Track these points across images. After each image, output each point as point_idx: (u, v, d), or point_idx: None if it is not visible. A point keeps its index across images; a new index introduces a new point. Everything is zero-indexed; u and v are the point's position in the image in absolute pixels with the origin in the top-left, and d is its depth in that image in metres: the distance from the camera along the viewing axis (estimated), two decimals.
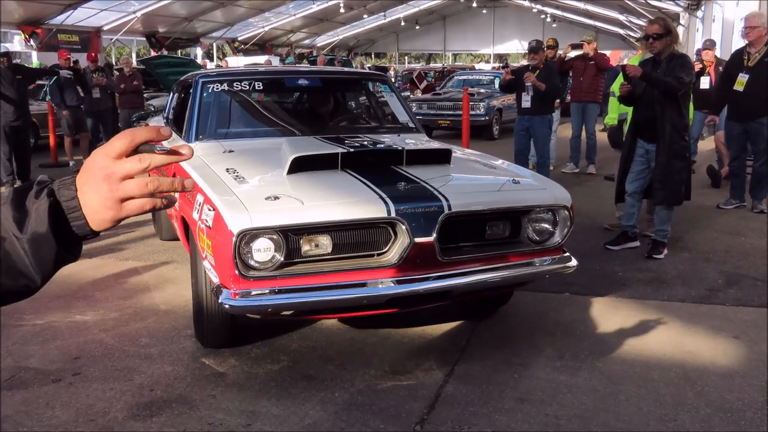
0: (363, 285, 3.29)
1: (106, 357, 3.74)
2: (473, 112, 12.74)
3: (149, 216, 6.62)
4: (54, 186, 0.93)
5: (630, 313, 4.35)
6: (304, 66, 11.25)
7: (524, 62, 10.47)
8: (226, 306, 3.16)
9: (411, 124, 5.01)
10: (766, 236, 6.17)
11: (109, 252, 5.87)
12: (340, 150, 3.76)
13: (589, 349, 3.80)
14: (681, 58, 5.21)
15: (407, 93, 18.96)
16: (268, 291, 3.20)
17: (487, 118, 13.39)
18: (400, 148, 3.87)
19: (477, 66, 34.47)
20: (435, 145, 4.56)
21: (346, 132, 4.66)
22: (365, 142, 4.22)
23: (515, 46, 40.73)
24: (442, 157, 3.90)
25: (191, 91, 4.72)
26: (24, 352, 3.82)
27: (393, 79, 25.06)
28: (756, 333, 4.01)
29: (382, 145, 4.19)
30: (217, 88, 4.70)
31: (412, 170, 3.66)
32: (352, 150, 3.83)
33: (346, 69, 10.99)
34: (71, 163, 10.60)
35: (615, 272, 5.18)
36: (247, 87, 4.73)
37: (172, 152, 0.94)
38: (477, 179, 3.96)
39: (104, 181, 0.90)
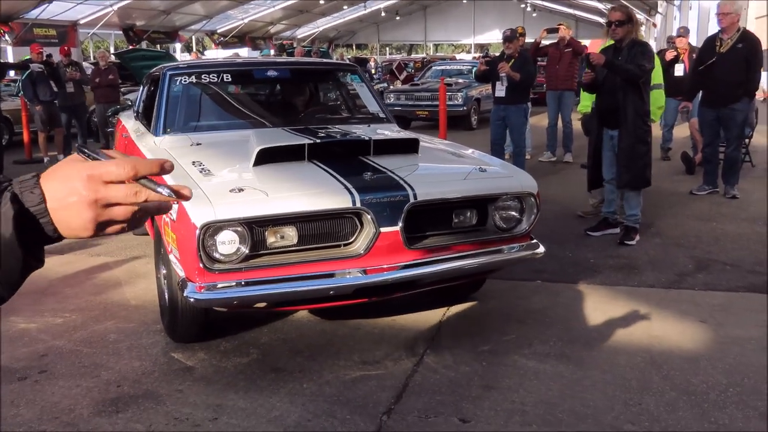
0: (330, 276, 3.29)
1: (73, 354, 3.71)
2: (451, 103, 12.74)
3: None
4: (15, 189, 0.86)
5: (600, 300, 4.38)
6: (272, 58, 11.14)
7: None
8: (191, 299, 3.15)
9: (382, 115, 5.00)
10: (736, 221, 6.23)
11: (80, 248, 5.81)
12: (306, 141, 3.74)
13: (557, 336, 3.82)
14: (642, 46, 5.28)
15: (383, 84, 18.86)
16: (234, 284, 3.19)
17: (465, 108, 13.39)
18: (367, 138, 3.86)
19: (458, 56, 34.48)
20: (403, 135, 4.55)
21: (316, 123, 4.64)
22: (333, 133, 4.20)
23: (496, 36, 40.69)
24: (409, 147, 3.90)
25: (159, 84, 4.67)
26: None
27: (373, 70, 25.03)
28: (723, 316, 4.06)
29: (350, 136, 4.17)
30: (185, 81, 4.65)
31: (379, 160, 3.65)
32: (318, 141, 3.81)
33: (316, 60, 10.92)
34: (46, 160, 10.49)
35: (587, 259, 5.21)
36: (216, 79, 4.68)
37: (173, 195, 0.88)
38: (444, 168, 3.96)
39: (90, 207, 0.85)
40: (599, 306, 4.28)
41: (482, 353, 3.62)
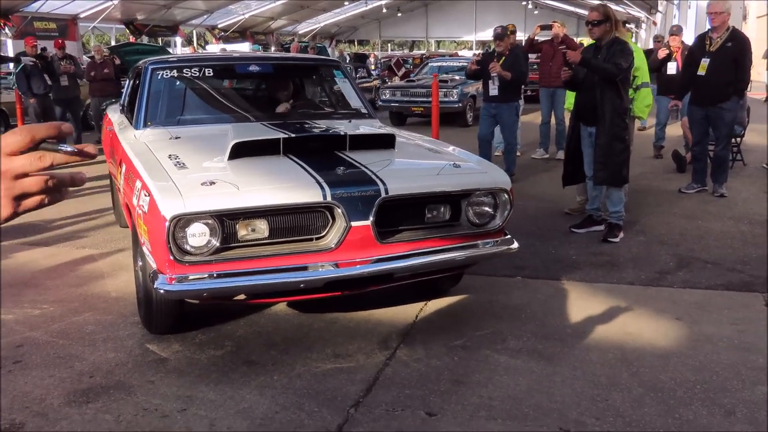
0: (302, 269, 3.31)
1: (49, 345, 3.73)
2: (446, 99, 12.73)
3: (109, 203, 6.60)
4: None
5: (578, 296, 4.39)
6: (255, 53, 11.10)
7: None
8: (162, 291, 3.17)
9: (363, 110, 5.01)
10: (722, 220, 6.23)
11: (66, 240, 5.84)
12: (281, 135, 3.76)
13: (532, 331, 3.84)
14: (621, 45, 5.31)
15: (363, 80, 18.80)
16: (205, 276, 3.21)
17: (460, 104, 13.36)
18: (342, 133, 3.87)
19: (460, 53, 34.43)
20: (380, 130, 4.56)
21: (297, 118, 4.65)
22: (311, 128, 4.22)
23: None
24: (385, 142, 3.91)
25: (141, 77, 4.69)
26: None
27: (373, 66, 25.03)
28: (699, 314, 4.06)
29: (326, 131, 4.19)
30: (167, 75, 4.67)
31: (354, 155, 3.67)
32: (293, 135, 3.82)
33: (298, 55, 10.91)
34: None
35: (569, 256, 5.22)
36: (197, 74, 4.70)
37: (76, 152, 0.88)
38: (418, 164, 3.97)
39: (5, 208, 0.86)
40: (577, 303, 4.29)
41: (455, 348, 3.63)
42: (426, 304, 4.24)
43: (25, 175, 0.87)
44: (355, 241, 3.32)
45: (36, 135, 0.86)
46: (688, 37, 13.90)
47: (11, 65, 12.29)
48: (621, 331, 3.84)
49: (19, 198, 0.88)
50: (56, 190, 0.90)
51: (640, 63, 6.13)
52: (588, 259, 5.12)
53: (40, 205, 0.91)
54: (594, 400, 3.08)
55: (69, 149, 0.88)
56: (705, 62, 7.03)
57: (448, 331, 3.84)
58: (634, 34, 28.08)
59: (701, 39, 7.34)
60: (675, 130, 10.40)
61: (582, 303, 4.28)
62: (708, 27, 7.41)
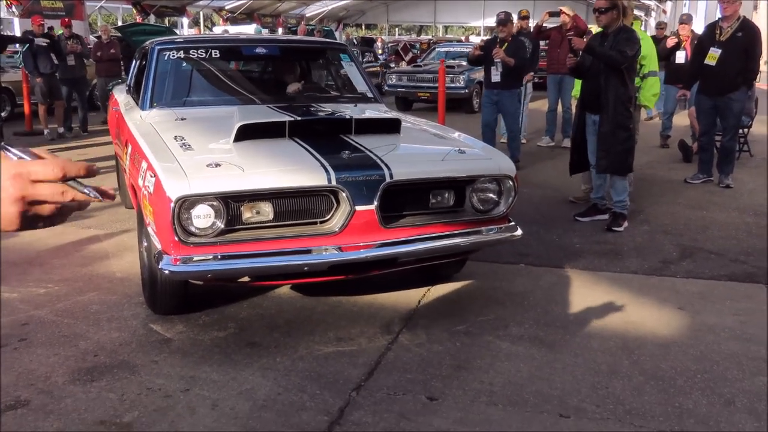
0: (306, 252, 3.32)
1: (54, 324, 3.76)
2: (453, 85, 12.69)
3: (114, 184, 6.61)
4: None
5: (581, 285, 4.40)
6: (261, 35, 11.08)
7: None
8: (166, 272, 3.18)
9: (369, 94, 5.00)
10: (727, 210, 6.22)
11: (72, 220, 5.82)
12: (287, 118, 3.76)
13: (534, 318, 3.85)
14: (627, 33, 5.29)
15: (370, 65, 18.75)
16: (209, 257, 3.22)
17: (467, 90, 13.31)
18: (348, 117, 3.86)
19: (476, 39, 34.18)
20: (386, 115, 4.56)
21: (303, 101, 4.65)
22: (317, 111, 4.22)
23: None
24: (391, 127, 3.90)
25: (147, 58, 4.69)
26: None
27: (380, 51, 24.92)
28: (701, 304, 4.07)
29: (332, 114, 4.18)
30: (173, 56, 4.67)
31: (359, 139, 3.66)
32: (299, 118, 3.82)
33: (305, 38, 10.88)
34: (46, 132, 10.53)
35: (573, 244, 5.22)
36: (204, 55, 4.69)
37: (98, 196, 0.94)
38: (423, 149, 3.97)
39: (16, 203, 0.90)
40: (579, 291, 4.30)
41: (457, 333, 3.65)
42: (429, 289, 4.26)
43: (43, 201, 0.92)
44: (359, 225, 3.33)
45: (68, 173, 0.91)
46: (698, 26, 13.82)
47: (17, 45, 12.27)
48: (623, 319, 3.85)
49: (30, 219, 0.92)
50: (64, 215, 0.94)
51: (648, 51, 6.10)
52: (591, 248, 5.12)
53: (51, 218, 0.93)
54: (594, 388, 3.10)
55: (93, 194, 0.93)
56: (715, 52, 6.98)
57: (450, 317, 3.86)
58: (643, 22, 27.86)
59: (711, 28, 7.28)
60: (682, 119, 10.35)
61: (585, 291, 4.28)
62: (718, 16, 7.36)
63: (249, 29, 24.40)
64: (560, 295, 4.22)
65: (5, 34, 9.61)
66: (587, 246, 5.17)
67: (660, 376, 3.21)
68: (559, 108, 9.90)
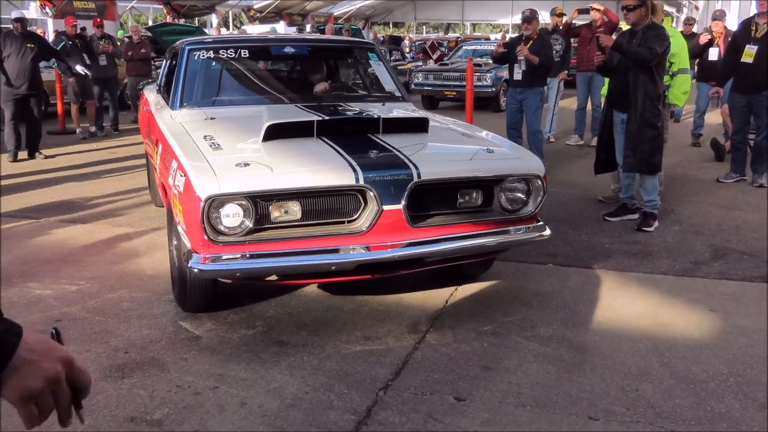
0: (334, 251, 3.34)
1: (86, 320, 3.81)
2: (479, 83, 12.61)
3: (145, 182, 6.70)
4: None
5: (610, 285, 4.35)
6: (288, 35, 11.17)
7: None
8: (195, 270, 3.22)
9: (398, 93, 5.01)
10: (760, 211, 6.10)
11: (103, 218, 5.95)
12: (315, 118, 3.78)
13: (562, 319, 3.82)
14: (656, 29, 5.23)
15: (417, 63, 18.77)
16: (238, 256, 3.25)
17: (494, 89, 13.22)
18: (376, 116, 3.87)
19: (495, 36, 33.97)
20: (414, 114, 4.56)
21: (331, 101, 4.67)
22: (345, 111, 4.23)
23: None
24: (419, 126, 3.90)
25: (177, 58, 4.74)
26: (7, 315, 3.88)
27: (407, 49, 24.87)
28: (733, 306, 4.00)
29: (360, 114, 4.19)
30: (203, 56, 4.71)
31: (387, 138, 3.67)
32: (327, 118, 3.84)
33: (333, 37, 10.89)
34: (78, 130, 10.68)
35: (602, 244, 5.16)
36: (233, 55, 4.73)
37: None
38: (451, 148, 3.97)
39: (45, 379, 0.96)
40: (608, 291, 4.25)
41: (484, 334, 3.63)
42: (456, 289, 4.24)
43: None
44: (386, 224, 3.33)
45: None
46: (731, 23, 13.59)
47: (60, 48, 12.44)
48: (653, 321, 3.80)
49: (30, 401, 0.97)
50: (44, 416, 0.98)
51: (679, 48, 6.00)
52: (621, 248, 5.06)
53: (31, 423, 0.98)
54: (624, 390, 3.06)
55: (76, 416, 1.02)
56: (751, 49, 6.86)
57: (477, 317, 3.84)
58: (675, 19, 27.45)
59: (746, 25, 7.16)
60: (714, 117, 10.19)
61: (614, 292, 4.24)
62: (754, 12, 7.23)
63: (279, 27, 24.55)
64: (589, 296, 4.18)
65: (52, 46, 9.70)
66: (616, 246, 5.11)
67: (691, 379, 3.16)
68: (589, 106, 9.81)
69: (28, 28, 9.23)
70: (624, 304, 4.05)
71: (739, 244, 5.17)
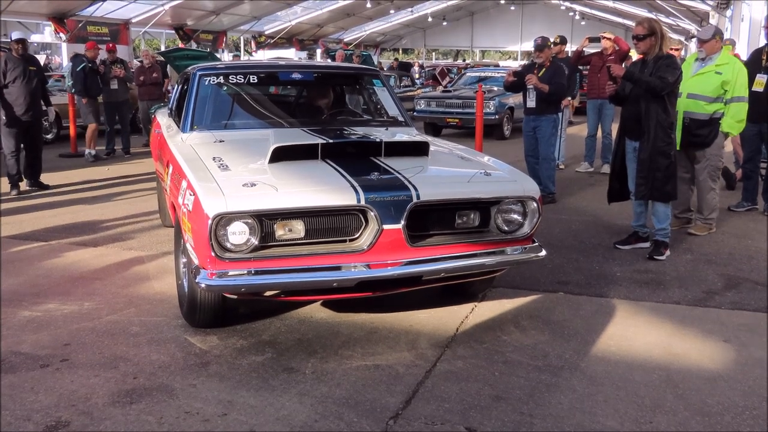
0: (336, 269, 3.44)
1: (95, 344, 3.80)
2: (484, 111, 12.57)
3: (156, 206, 6.72)
4: None
5: (622, 314, 4.31)
6: (296, 61, 11.30)
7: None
8: (202, 285, 3.33)
9: (401, 118, 5.18)
10: None
11: (114, 241, 5.97)
12: (320, 141, 3.91)
13: (574, 348, 3.78)
14: (667, 59, 5.25)
15: (426, 89, 18.87)
16: (244, 272, 3.36)
17: (497, 116, 13.15)
18: (378, 140, 4.00)
19: (504, 63, 34.26)
20: (415, 138, 4.67)
21: (336, 125, 4.80)
22: (349, 135, 4.36)
23: None
24: (419, 150, 4.06)
25: (189, 83, 4.83)
26: (17, 337, 3.90)
27: (417, 75, 25.06)
28: (747, 337, 3.96)
29: (363, 137, 4.34)
30: (213, 81, 4.83)
31: (389, 161, 3.81)
32: (331, 141, 3.99)
33: (338, 64, 11.01)
34: (86, 152, 10.66)
35: (613, 272, 5.13)
36: (242, 80, 4.85)
37: None
38: (450, 171, 4.10)
39: None
40: (621, 321, 4.21)
41: (495, 363, 3.59)
42: (467, 317, 4.22)
43: None
44: (386, 243, 3.44)
45: None
46: (741, 50, 13.62)
47: (66, 68, 12.54)
48: (666, 351, 3.76)
49: None
50: None
51: (735, 75, 5.91)
52: (632, 277, 5.03)
53: None
54: (638, 422, 3.02)
55: None
56: (762, 78, 6.87)
57: (488, 345, 3.81)
58: (684, 47, 27.57)
59: (757, 54, 7.19)
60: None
61: (626, 321, 4.20)
62: (764, 41, 7.25)
63: (289, 54, 24.92)
64: (601, 325, 4.14)
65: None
66: (628, 275, 5.08)
67: (706, 411, 3.11)
68: (599, 133, 9.81)
69: (40, 53, 9.26)
70: (636, 333, 4.01)
71: (752, 273, 5.12)
